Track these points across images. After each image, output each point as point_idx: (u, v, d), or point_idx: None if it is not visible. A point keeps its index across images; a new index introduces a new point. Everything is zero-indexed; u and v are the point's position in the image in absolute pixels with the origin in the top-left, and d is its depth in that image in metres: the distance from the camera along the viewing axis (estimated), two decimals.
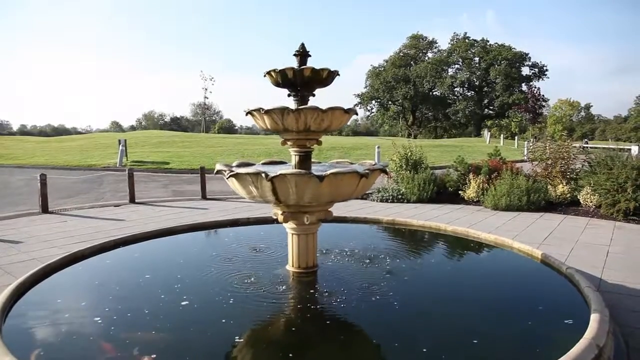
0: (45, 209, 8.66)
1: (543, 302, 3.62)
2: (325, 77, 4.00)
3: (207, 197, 10.83)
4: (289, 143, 4.12)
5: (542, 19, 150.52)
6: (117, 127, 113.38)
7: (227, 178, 3.80)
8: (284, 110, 3.71)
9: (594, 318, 3.04)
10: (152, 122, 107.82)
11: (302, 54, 4.10)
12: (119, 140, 21.13)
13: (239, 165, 4.51)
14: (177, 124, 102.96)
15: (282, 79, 3.97)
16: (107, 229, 7.19)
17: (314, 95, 4.18)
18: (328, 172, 3.55)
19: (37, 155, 24.65)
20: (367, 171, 3.71)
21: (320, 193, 3.66)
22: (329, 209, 4.18)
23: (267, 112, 3.77)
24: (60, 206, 9.45)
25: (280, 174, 3.51)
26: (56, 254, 5.46)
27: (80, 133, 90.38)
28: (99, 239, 6.30)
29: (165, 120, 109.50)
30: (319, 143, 4.16)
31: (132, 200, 10.08)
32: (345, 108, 3.90)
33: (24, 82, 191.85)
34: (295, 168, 4.15)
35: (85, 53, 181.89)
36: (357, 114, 4.43)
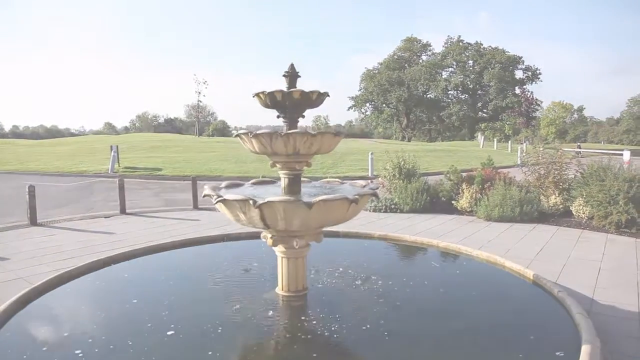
0: (34, 222, 8.54)
1: (534, 330, 3.58)
2: (314, 99, 3.95)
3: (199, 207, 10.73)
4: (278, 165, 4.07)
5: (536, 21, 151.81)
6: (110, 128, 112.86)
7: (214, 203, 3.74)
8: (272, 135, 3.66)
9: (584, 350, 3.01)
10: (145, 123, 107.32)
11: (292, 75, 4.06)
12: (112, 147, 20.96)
13: (228, 186, 4.45)
14: (171, 125, 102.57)
15: (271, 101, 3.91)
16: (97, 243, 7.09)
17: (303, 116, 4.14)
18: (317, 198, 3.50)
19: (29, 161, 24.40)
20: (356, 197, 3.66)
21: (309, 219, 3.61)
22: (319, 233, 4.14)
23: (256, 136, 3.72)
24: (50, 217, 9.32)
25: (268, 201, 3.46)
26: (44, 272, 5.37)
27: (73, 134, 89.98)
28: (88, 254, 6.22)
29: (159, 121, 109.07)
30: (309, 165, 4.12)
31: (123, 210, 9.97)
32: (335, 132, 3.86)
33: (18, 82, 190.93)
34: (284, 190, 4.10)
35: (83, 53, 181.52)
36: (346, 137, 4.39)
